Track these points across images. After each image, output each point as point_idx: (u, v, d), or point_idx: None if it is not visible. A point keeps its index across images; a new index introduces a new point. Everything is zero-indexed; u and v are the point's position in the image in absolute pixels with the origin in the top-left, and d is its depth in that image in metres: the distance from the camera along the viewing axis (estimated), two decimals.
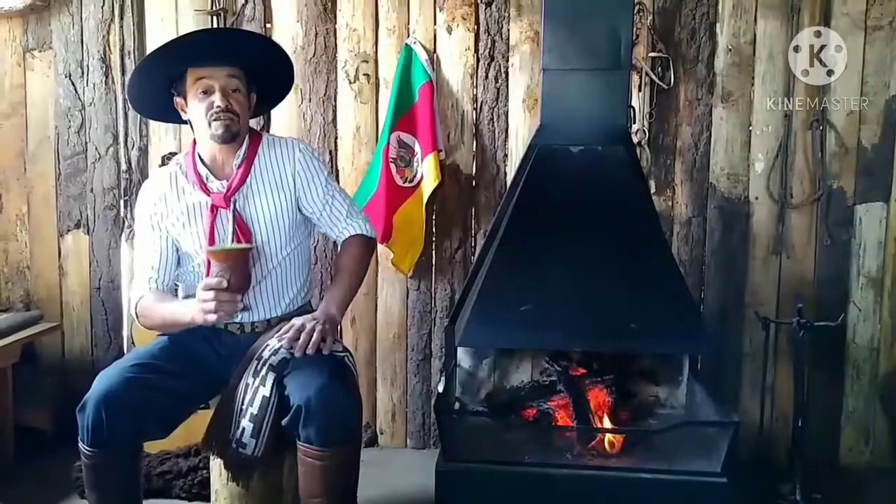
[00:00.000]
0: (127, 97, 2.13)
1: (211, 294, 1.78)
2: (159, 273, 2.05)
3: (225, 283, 1.78)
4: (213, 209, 2.00)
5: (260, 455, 1.88)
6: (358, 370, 2.06)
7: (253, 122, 2.83)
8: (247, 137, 2.04)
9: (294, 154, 2.06)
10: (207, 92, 1.94)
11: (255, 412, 1.86)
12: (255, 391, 1.86)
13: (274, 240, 2.04)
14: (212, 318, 1.79)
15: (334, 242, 2.86)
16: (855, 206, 2.70)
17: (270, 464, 1.95)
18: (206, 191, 2.01)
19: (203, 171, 2.03)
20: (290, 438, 1.87)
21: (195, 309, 1.82)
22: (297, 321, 1.93)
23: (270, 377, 1.86)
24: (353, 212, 2.14)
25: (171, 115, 2.08)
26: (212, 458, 2.01)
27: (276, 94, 2.24)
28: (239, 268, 1.82)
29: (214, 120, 1.94)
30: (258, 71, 2.04)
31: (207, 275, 1.89)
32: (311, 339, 1.88)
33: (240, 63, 1.98)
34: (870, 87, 2.64)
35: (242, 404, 1.88)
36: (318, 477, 1.83)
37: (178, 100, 2.01)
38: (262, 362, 1.88)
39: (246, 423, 1.86)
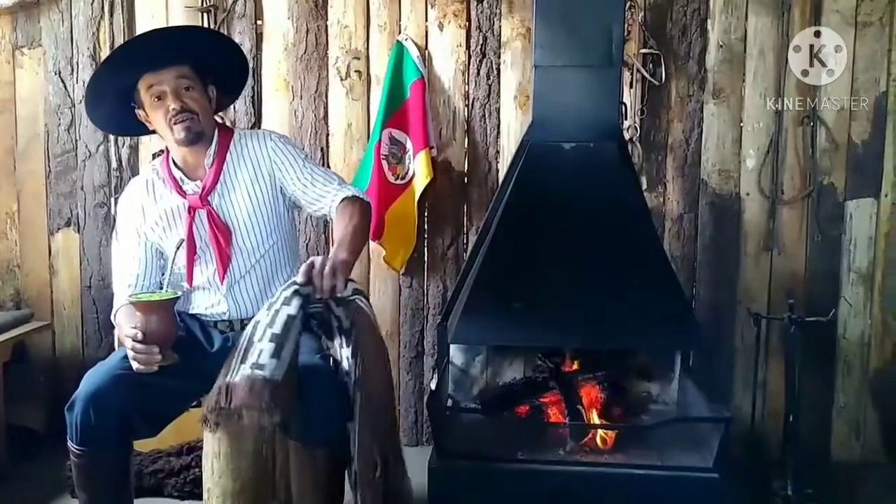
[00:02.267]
0: (91, 121, 2.13)
1: (129, 343, 1.76)
2: (138, 281, 2.05)
3: (140, 335, 1.74)
4: (191, 211, 2.00)
5: (280, 379, 1.61)
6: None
7: (244, 120, 2.85)
8: (216, 135, 2.02)
9: (267, 145, 2.04)
10: (161, 97, 1.94)
11: (278, 332, 1.65)
12: (275, 314, 1.66)
13: (255, 232, 2.03)
14: (135, 365, 1.77)
15: (326, 235, 2.86)
16: (845, 202, 2.70)
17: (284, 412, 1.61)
18: (182, 193, 2.01)
19: (177, 174, 2.03)
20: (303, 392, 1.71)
21: None
22: (309, 260, 1.71)
23: (296, 300, 1.67)
24: (340, 183, 2.03)
25: (143, 129, 2.06)
26: (213, 426, 1.67)
27: (236, 83, 2.21)
28: (158, 318, 1.75)
29: (174, 124, 1.93)
30: (211, 64, 2.01)
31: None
32: (324, 279, 1.66)
33: (189, 60, 1.96)
34: (860, 83, 2.65)
35: (255, 336, 1.66)
36: (305, 469, 1.79)
37: (139, 112, 2.00)
38: (279, 294, 1.69)
39: (265, 345, 1.64)
